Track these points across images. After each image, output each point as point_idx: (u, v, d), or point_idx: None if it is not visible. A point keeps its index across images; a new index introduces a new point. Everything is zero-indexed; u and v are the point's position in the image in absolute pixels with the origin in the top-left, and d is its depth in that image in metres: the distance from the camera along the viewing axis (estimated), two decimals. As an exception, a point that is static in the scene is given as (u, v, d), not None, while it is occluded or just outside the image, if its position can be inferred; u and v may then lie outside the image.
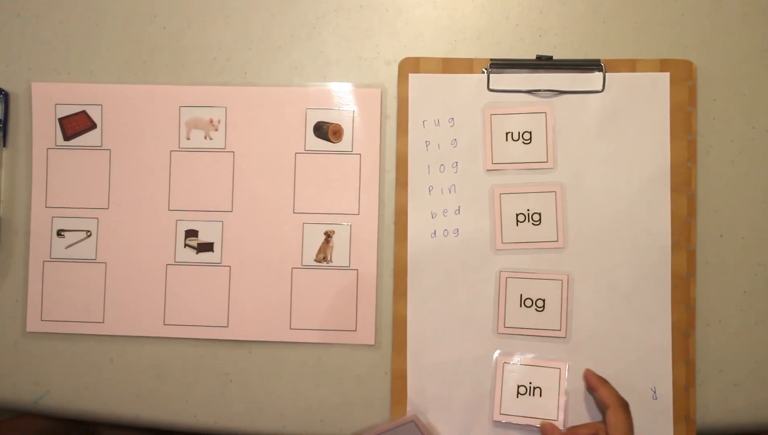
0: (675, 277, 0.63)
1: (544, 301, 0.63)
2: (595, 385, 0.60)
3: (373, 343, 0.64)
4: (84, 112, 0.66)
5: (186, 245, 0.65)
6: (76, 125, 0.66)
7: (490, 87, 0.64)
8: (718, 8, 0.65)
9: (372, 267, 0.65)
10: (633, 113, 0.63)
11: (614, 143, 0.63)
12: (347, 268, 0.65)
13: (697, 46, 0.64)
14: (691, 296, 0.63)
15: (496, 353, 0.63)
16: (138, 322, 0.65)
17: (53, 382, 0.66)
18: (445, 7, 0.66)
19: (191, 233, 0.66)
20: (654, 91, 0.63)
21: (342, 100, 0.65)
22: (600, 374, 0.61)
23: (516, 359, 0.63)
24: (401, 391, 0.63)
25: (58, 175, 0.66)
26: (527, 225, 0.64)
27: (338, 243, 0.65)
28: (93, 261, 0.66)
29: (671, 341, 0.62)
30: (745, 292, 0.64)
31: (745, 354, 0.63)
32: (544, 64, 0.64)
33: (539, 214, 0.63)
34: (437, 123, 0.64)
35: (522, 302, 0.63)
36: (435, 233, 0.64)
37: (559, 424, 0.61)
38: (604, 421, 0.59)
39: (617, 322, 0.63)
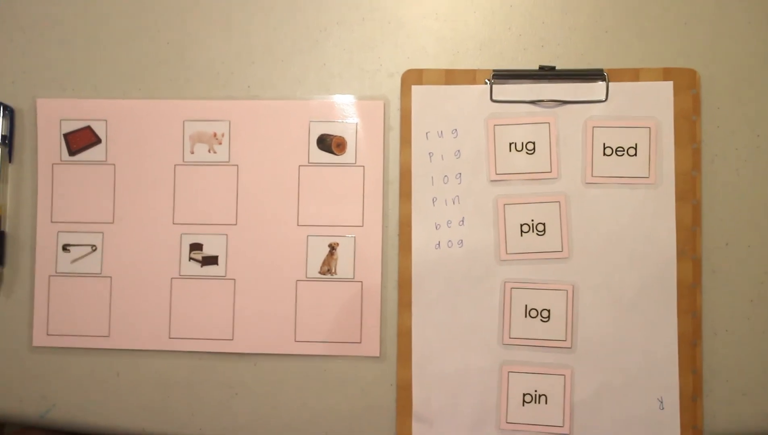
0: (681, 286, 0.62)
1: (549, 311, 0.63)
2: None
3: (378, 354, 0.64)
4: (89, 127, 0.67)
5: (191, 259, 0.66)
6: (80, 140, 0.66)
7: (493, 98, 0.64)
8: (722, 16, 0.65)
9: (376, 279, 0.64)
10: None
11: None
12: (352, 280, 0.65)
13: (700, 55, 0.64)
14: (697, 305, 0.62)
15: (502, 362, 0.63)
16: (143, 335, 0.65)
17: (59, 396, 0.66)
18: (448, 19, 0.66)
19: (196, 247, 0.66)
20: (658, 99, 0.63)
21: (345, 112, 0.65)
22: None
23: (521, 367, 0.63)
24: (407, 402, 0.63)
25: (64, 190, 0.66)
26: (531, 235, 0.63)
27: (342, 255, 0.65)
28: (98, 275, 0.66)
29: (678, 351, 0.62)
30: (751, 300, 0.63)
31: (752, 363, 0.63)
32: (546, 74, 0.64)
33: (543, 224, 0.63)
34: (440, 134, 0.64)
35: (527, 313, 0.63)
36: (439, 244, 0.64)
37: (565, 430, 0.61)
38: None
39: (623, 332, 0.62)
